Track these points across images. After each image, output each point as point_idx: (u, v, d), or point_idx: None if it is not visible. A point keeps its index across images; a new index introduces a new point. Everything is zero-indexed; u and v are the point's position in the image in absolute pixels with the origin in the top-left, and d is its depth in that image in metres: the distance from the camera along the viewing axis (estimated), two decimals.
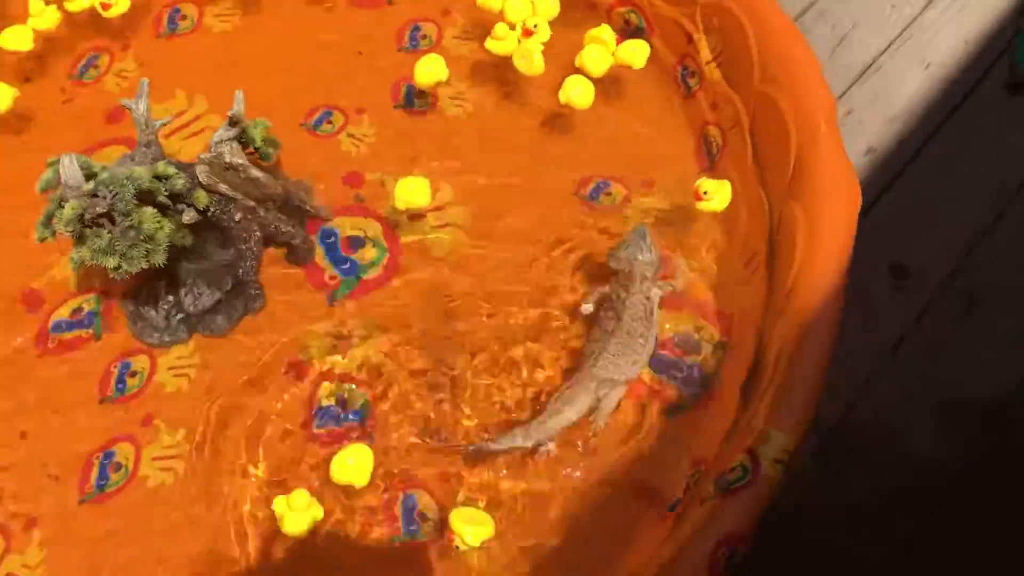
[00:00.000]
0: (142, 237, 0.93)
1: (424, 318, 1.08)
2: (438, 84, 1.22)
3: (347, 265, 1.12)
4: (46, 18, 1.28)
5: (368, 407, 1.02)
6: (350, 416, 1.02)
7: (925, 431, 1.07)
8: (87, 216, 0.92)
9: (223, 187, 1.04)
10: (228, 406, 1.02)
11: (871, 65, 1.34)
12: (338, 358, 1.05)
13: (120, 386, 1.04)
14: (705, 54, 1.16)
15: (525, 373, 1.04)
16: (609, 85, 1.22)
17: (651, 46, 1.22)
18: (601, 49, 1.18)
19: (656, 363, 1.03)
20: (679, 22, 1.19)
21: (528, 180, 1.17)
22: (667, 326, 1.05)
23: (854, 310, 1.12)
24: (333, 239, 1.14)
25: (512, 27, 1.22)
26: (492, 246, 1.12)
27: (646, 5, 1.23)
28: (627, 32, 1.26)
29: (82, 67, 1.30)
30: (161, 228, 0.95)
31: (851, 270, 1.01)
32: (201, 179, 1.02)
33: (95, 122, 1.23)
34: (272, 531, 0.94)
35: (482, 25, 1.28)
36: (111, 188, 0.92)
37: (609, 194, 1.15)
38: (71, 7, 1.30)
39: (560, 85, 1.17)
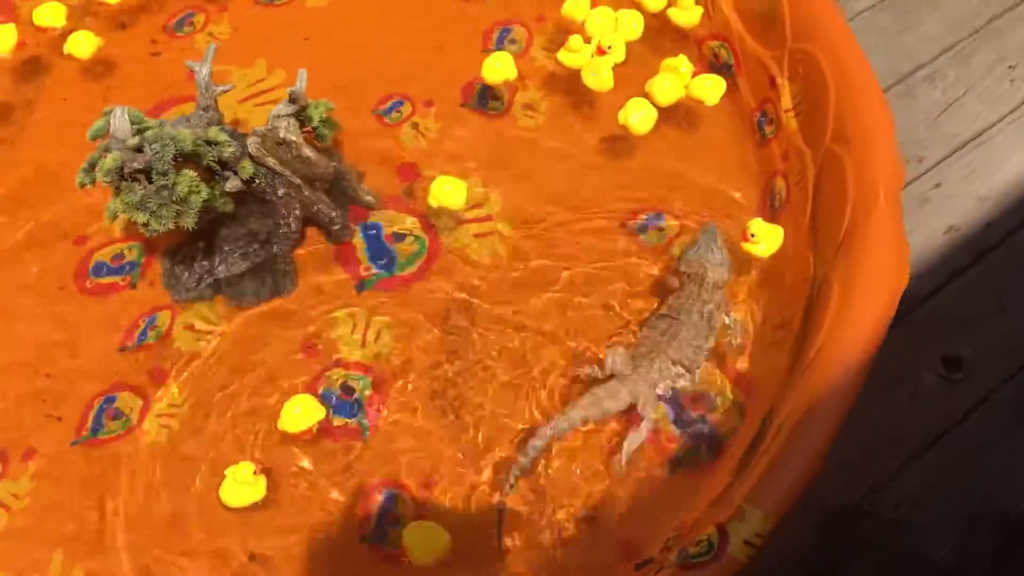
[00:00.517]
0: (174, 198, 0.95)
1: (447, 324, 1.06)
2: (506, 82, 1.21)
3: (384, 260, 1.11)
4: None
5: (370, 400, 1.01)
6: (350, 405, 1.01)
7: (948, 536, 1.00)
8: (126, 169, 0.94)
9: (271, 161, 1.04)
10: (236, 377, 1.03)
11: (975, 138, 1.25)
12: (355, 347, 1.05)
13: (141, 337, 1.06)
14: (786, 101, 1.11)
15: (535, 399, 1.01)
16: (682, 117, 1.18)
17: (736, 86, 1.18)
18: (673, 78, 1.15)
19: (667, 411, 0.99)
20: (766, 64, 1.14)
21: (579, 201, 1.14)
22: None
23: (898, 395, 1.06)
24: (375, 231, 1.14)
25: (587, 41, 1.20)
26: (529, 264, 1.10)
27: (736, 40, 1.18)
28: (715, 67, 1.21)
29: (178, 21, 1.33)
30: (197, 192, 0.97)
31: (901, 354, 0.97)
32: (251, 150, 1.03)
33: (176, 78, 1.25)
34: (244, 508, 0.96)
35: (570, 34, 1.24)
36: (154, 146, 0.94)
37: (660, 228, 1.11)
38: None
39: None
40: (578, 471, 0.97)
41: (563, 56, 1.21)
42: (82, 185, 0.96)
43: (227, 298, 1.09)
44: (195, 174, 0.97)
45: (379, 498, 0.95)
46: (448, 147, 1.20)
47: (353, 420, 1.00)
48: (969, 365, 1.07)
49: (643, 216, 1.12)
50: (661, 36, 1.24)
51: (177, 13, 1.34)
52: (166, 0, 1.35)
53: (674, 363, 0.98)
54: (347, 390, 1.03)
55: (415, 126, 1.22)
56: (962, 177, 1.21)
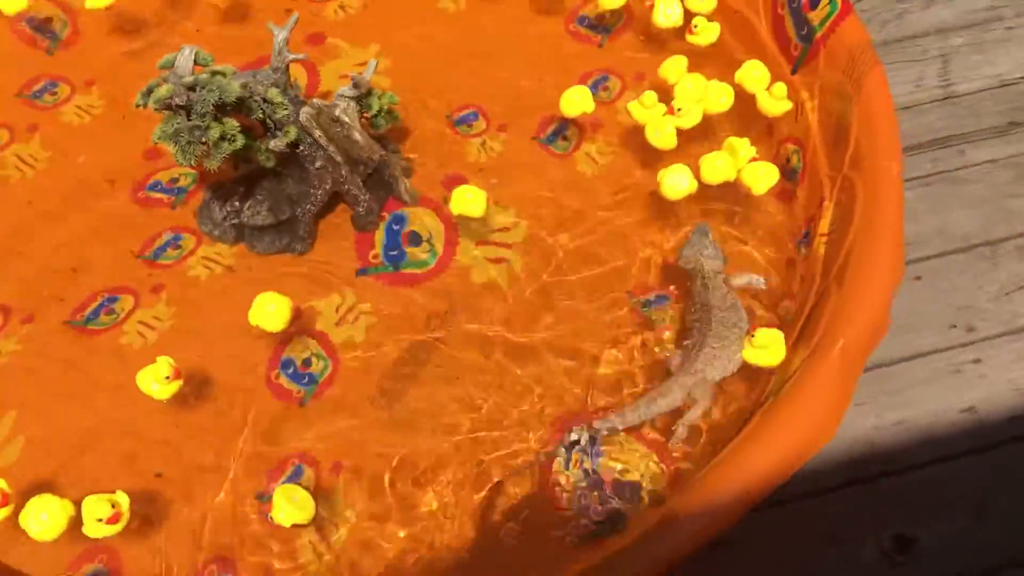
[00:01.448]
0: (204, 140, 1.03)
1: (423, 330, 1.09)
2: (583, 116, 1.23)
3: (395, 252, 1.16)
4: None
5: (324, 384, 1.05)
6: (303, 377, 1.07)
7: None
8: (173, 102, 1.03)
9: (318, 133, 1.11)
10: (221, 315, 1.10)
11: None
12: (331, 324, 1.10)
13: (159, 251, 1.16)
14: (824, 225, 1.06)
15: (475, 417, 1.03)
16: (734, 199, 1.17)
17: (795, 196, 1.15)
18: (726, 158, 1.14)
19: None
20: (822, 182, 1.10)
21: (600, 262, 1.13)
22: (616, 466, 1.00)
23: (830, 554, 1.00)
24: (399, 227, 1.18)
25: (661, 99, 1.21)
26: (525, 301, 1.11)
27: (810, 150, 1.14)
28: (785, 170, 1.17)
29: None
30: (231, 141, 1.04)
31: (856, 514, 0.99)
32: (301, 119, 1.10)
33: (297, 41, 1.33)
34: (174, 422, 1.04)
35: (663, 92, 1.24)
36: (202, 90, 1.03)
37: (664, 310, 1.09)
38: None
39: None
40: None
41: (633, 108, 1.21)
42: (137, 106, 1.05)
43: (245, 242, 1.17)
44: (236, 124, 1.05)
45: (289, 469, 1.00)
46: (502, 171, 1.22)
47: (298, 388, 1.06)
48: (919, 552, 0.99)
49: (652, 295, 1.11)
50: (748, 118, 1.22)
51: None
52: None
53: (716, 348, 1.02)
54: (306, 364, 1.08)
55: (482, 143, 1.25)
56: (1006, 362, 1.12)
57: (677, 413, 1.01)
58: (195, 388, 1.06)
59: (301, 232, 1.16)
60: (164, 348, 1.07)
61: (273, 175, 1.16)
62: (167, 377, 1.02)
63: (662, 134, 1.18)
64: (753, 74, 1.22)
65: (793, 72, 1.20)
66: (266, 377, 1.06)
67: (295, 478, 0.99)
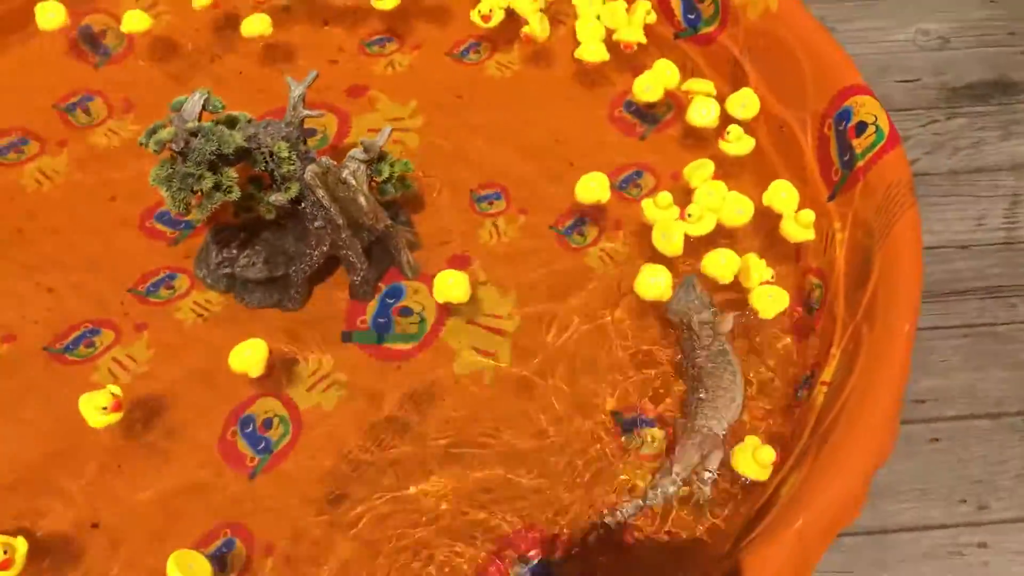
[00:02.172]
0: (195, 188, 1.01)
1: (395, 412, 1.05)
2: (598, 203, 1.18)
3: (383, 320, 1.12)
4: None
5: (281, 452, 1.02)
6: (260, 441, 1.03)
7: None
8: (171, 146, 1.01)
9: (321, 192, 1.08)
10: (196, 363, 1.08)
11: None
12: (302, 387, 1.07)
13: (152, 288, 1.14)
14: (827, 374, 0.98)
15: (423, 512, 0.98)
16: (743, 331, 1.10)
17: (811, 332, 1.07)
18: (730, 258, 1.10)
19: None
20: (836, 325, 1.02)
21: (591, 364, 1.08)
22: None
23: None
24: (393, 300, 1.14)
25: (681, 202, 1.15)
26: (505, 404, 1.06)
27: (832, 288, 1.06)
28: (806, 303, 1.10)
29: (374, 41, 1.41)
30: (227, 192, 1.02)
31: None
32: (306, 176, 1.07)
33: (339, 90, 1.34)
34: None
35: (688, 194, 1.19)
36: (200, 137, 1.01)
37: (641, 436, 1.03)
38: None
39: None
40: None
41: (646, 206, 1.16)
42: (140, 144, 1.05)
43: (235, 295, 1.15)
44: (234, 176, 1.03)
45: (218, 541, 0.96)
46: (511, 257, 1.18)
47: (253, 454, 1.02)
48: None
49: (633, 414, 1.05)
50: (770, 238, 1.16)
51: (377, 33, 1.42)
52: (375, 17, 1.43)
53: (711, 400, 1.02)
54: (267, 425, 1.05)
55: (495, 225, 1.21)
56: (1014, 552, 1.01)
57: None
58: (150, 434, 1.03)
59: (293, 291, 1.13)
60: (130, 388, 1.06)
61: (276, 228, 1.14)
62: (104, 408, 0.99)
63: (668, 238, 1.13)
64: (780, 195, 1.15)
65: (830, 199, 1.12)
66: (220, 435, 1.03)
67: (226, 548, 0.96)
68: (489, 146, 1.29)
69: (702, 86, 1.28)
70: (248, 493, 1.00)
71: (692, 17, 1.32)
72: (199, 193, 1.02)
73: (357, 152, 1.11)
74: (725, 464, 0.99)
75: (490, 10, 1.34)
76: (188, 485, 1.00)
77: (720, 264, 1.11)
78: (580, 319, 1.12)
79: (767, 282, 1.09)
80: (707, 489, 0.99)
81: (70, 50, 1.39)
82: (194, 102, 1.04)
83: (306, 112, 1.10)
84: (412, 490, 1.00)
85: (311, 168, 1.08)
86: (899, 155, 1.04)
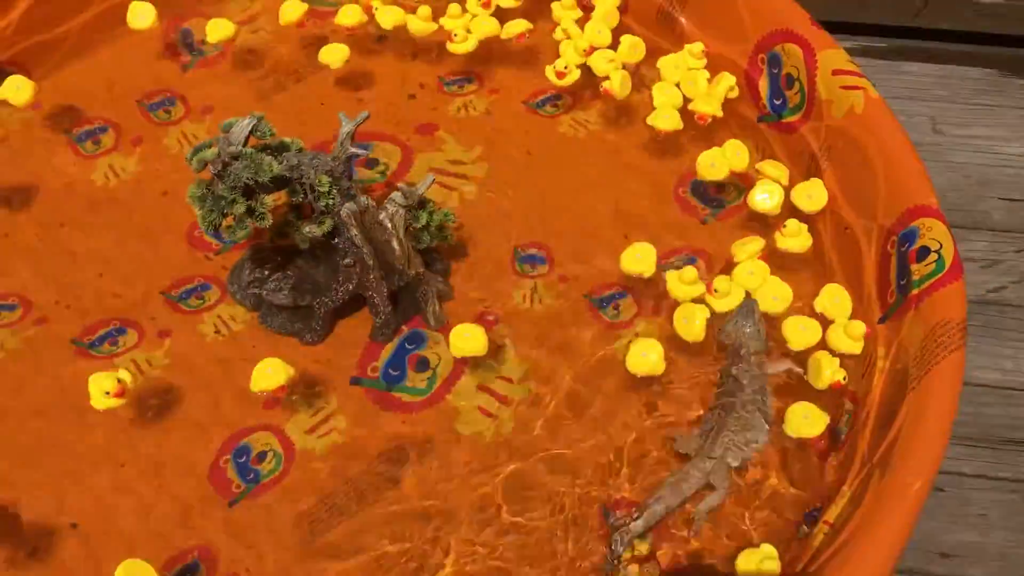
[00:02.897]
0: (225, 212, 1.02)
1: (384, 464, 1.03)
2: (641, 275, 1.15)
3: (396, 372, 1.11)
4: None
5: (265, 486, 1.02)
6: (249, 473, 1.03)
7: None
8: (209, 167, 1.03)
9: (354, 231, 1.07)
10: (206, 380, 1.09)
11: None
12: (300, 429, 1.06)
13: (184, 295, 1.16)
14: (832, 512, 0.91)
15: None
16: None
17: (828, 461, 1.00)
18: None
19: None
20: (855, 461, 0.94)
21: (589, 455, 1.04)
22: None
23: None
24: (412, 347, 1.13)
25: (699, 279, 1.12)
26: (501, 469, 1.03)
27: (861, 417, 0.99)
28: (833, 433, 1.02)
29: (454, 80, 1.40)
30: (259, 219, 1.02)
31: None
32: (342, 213, 1.07)
33: (410, 125, 1.34)
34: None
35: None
36: (240, 163, 1.02)
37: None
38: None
39: None
40: None
41: (670, 279, 1.12)
42: (187, 160, 1.06)
43: (260, 316, 1.15)
44: (268, 204, 1.04)
45: (186, 562, 0.97)
46: (540, 324, 1.14)
47: (240, 482, 1.02)
48: None
49: (623, 511, 1.00)
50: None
51: (459, 74, 1.41)
52: (459, 61, 1.42)
53: (735, 433, 1.01)
54: (261, 458, 1.05)
55: (534, 288, 1.18)
56: None
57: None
58: (146, 442, 1.05)
59: (315, 324, 1.13)
60: (139, 392, 1.08)
61: (311, 257, 1.14)
62: (107, 392, 1.02)
63: (690, 323, 1.08)
64: (834, 300, 1.09)
65: (881, 320, 1.05)
66: (215, 459, 1.04)
67: (189, 573, 0.96)
68: (545, 206, 1.26)
69: (774, 170, 1.22)
70: (224, 520, 0.99)
71: (778, 103, 1.26)
72: (230, 216, 1.03)
73: (397, 196, 1.10)
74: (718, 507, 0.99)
75: (566, 67, 1.31)
76: (171, 499, 1.01)
77: (799, 330, 1.07)
78: (589, 404, 1.08)
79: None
80: (702, 518, 0.98)
81: (164, 50, 1.43)
82: (242, 126, 1.04)
83: (353, 150, 1.10)
84: (387, 547, 0.98)
85: (348, 206, 1.07)
86: (956, 291, 0.96)
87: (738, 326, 1.08)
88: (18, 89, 1.26)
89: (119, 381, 1.03)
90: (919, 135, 1.56)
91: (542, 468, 1.03)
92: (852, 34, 1.80)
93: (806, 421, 1.02)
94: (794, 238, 1.14)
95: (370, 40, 1.44)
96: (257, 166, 1.02)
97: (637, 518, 0.97)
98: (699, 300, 1.12)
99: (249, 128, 1.05)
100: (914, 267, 1.01)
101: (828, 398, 1.05)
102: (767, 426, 1.03)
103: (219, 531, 0.99)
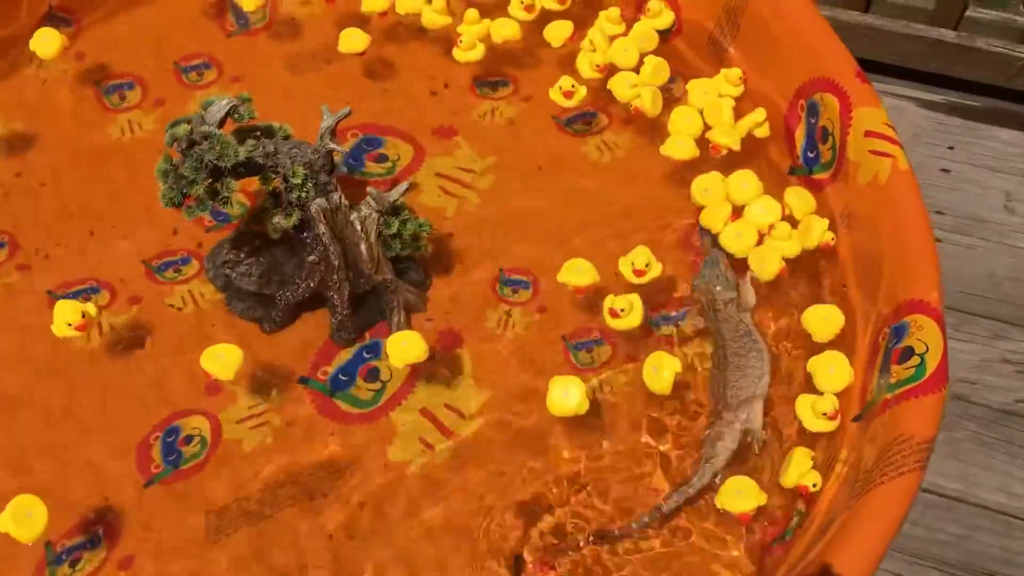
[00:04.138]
0: (185, 192, 1.00)
1: (310, 467, 1.01)
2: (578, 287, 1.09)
3: (345, 378, 1.07)
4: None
5: (185, 470, 1.00)
6: (173, 454, 1.02)
7: None
8: (176, 144, 1.01)
9: (322, 228, 1.04)
10: (160, 352, 1.09)
11: None
12: (234, 417, 1.04)
13: (164, 267, 1.16)
14: None
15: None
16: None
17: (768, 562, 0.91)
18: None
19: None
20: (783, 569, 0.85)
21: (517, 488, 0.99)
22: None
23: None
24: (369, 356, 1.09)
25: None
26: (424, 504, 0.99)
27: (805, 523, 0.89)
28: (780, 533, 0.93)
29: (488, 82, 1.34)
30: (222, 202, 1.01)
31: None
32: (311, 208, 1.04)
33: (427, 125, 1.29)
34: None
35: None
36: (207, 144, 1.00)
37: None
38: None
39: None
40: None
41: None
42: (166, 131, 1.05)
43: (226, 297, 1.14)
44: (234, 188, 1.01)
45: (79, 537, 0.96)
46: (505, 355, 1.09)
47: (160, 462, 1.01)
48: None
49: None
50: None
51: (494, 75, 1.35)
52: (501, 56, 1.36)
53: (737, 381, 1.02)
54: (187, 440, 1.03)
55: (508, 314, 1.12)
56: None
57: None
58: (87, 401, 1.05)
59: (275, 314, 1.11)
60: (95, 353, 1.09)
61: (288, 248, 1.11)
62: (69, 323, 1.03)
63: (659, 373, 1.01)
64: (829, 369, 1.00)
65: (855, 419, 0.94)
66: (146, 434, 1.03)
67: (92, 544, 0.96)
68: (543, 230, 1.19)
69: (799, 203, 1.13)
70: (136, 498, 0.99)
71: (811, 156, 1.15)
72: (190, 196, 1.02)
73: (372, 200, 1.06)
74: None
75: (572, 86, 1.24)
76: (92, 467, 1.01)
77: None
78: (540, 438, 1.02)
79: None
80: (761, 437, 0.99)
81: (214, 14, 1.43)
82: (220, 107, 1.02)
83: (332, 146, 1.06)
84: (285, 563, 0.95)
85: (319, 202, 1.04)
86: (930, 405, 0.85)
87: (706, 278, 1.11)
88: (46, 42, 1.28)
89: (83, 315, 1.04)
90: (988, 210, 1.42)
91: (460, 514, 0.98)
92: (947, 87, 1.64)
93: (738, 496, 0.94)
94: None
95: (411, 30, 1.40)
96: (222, 149, 0.99)
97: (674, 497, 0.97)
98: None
99: (226, 109, 1.02)
100: (894, 368, 0.90)
101: (789, 497, 0.96)
102: (765, 355, 1.04)
103: (129, 509, 0.98)
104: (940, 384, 0.86)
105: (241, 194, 1.20)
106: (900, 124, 1.57)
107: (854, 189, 1.07)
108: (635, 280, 1.09)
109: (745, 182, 1.15)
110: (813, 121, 1.14)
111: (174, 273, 1.16)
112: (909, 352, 0.89)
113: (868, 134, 1.05)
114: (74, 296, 1.12)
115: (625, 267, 1.10)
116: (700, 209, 1.17)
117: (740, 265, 1.13)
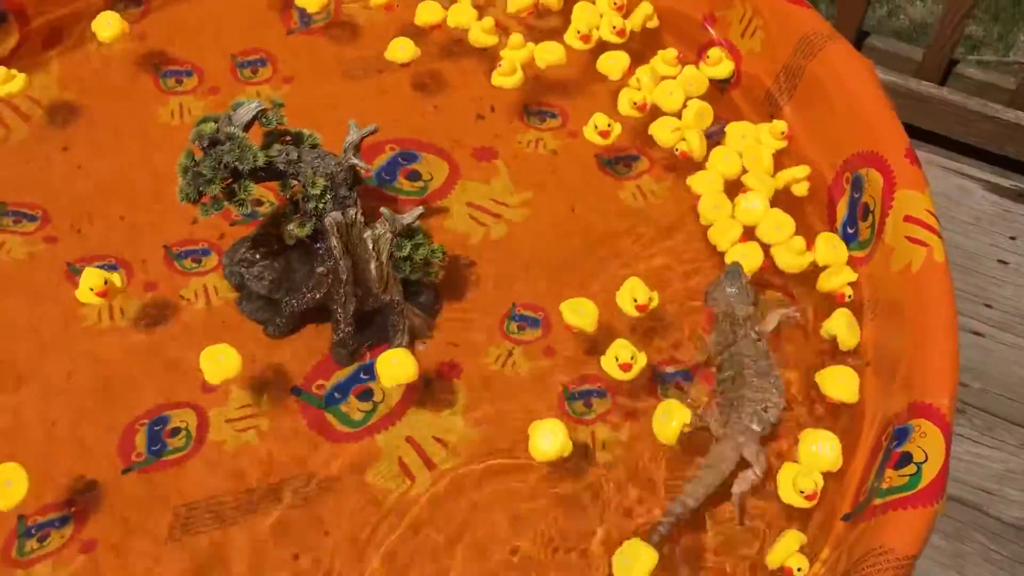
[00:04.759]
0: (200, 190, 1.00)
1: (284, 479, 1.00)
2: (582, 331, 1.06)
3: (339, 395, 1.06)
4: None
5: (167, 462, 1.00)
6: (157, 444, 1.02)
7: None
8: (199, 142, 1.01)
9: (333, 242, 1.03)
10: (165, 344, 1.09)
11: None
12: (223, 418, 1.04)
13: (183, 255, 1.17)
14: None
15: None
16: None
17: None
18: None
19: None
20: None
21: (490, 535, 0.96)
22: None
23: None
24: (368, 377, 1.07)
25: None
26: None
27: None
28: None
29: (540, 110, 1.32)
30: (239, 204, 1.01)
31: None
32: (325, 220, 1.03)
33: (469, 147, 1.28)
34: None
35: None
36: (228, 146, 1.00)
37: None
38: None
39: None
40: None
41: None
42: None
43: (238, 296, 1.14)
44: (251, 191, 1.02)
45: (52, 513, 0.97)
46: (500, 391, 1.06)
47: (143, 450, 1.01)
48: None
49: None
50: None
51: (547, 104, 1.33)
52: (550, 88, 1.34)
53: (756, 401, 1.00)
54: (174, 433, 1.03)
55: (510, 352, 1.10)
56: None
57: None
58: (88, 381, 1.06)
59: (279, 320, 1.11)
60: (101, 334, 1.10)
61: (304, 255, 1.11)
62: (91, 288, 1.06)
63: (667, 422, 0.99)
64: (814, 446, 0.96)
65: (845, 518, 0.89)
66: (133, 419, 1.03)
67: (60, 523, 0.96)
68: (564, 271, 1.16)
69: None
70: (112, 484, 0.99)
71: (851, 231, 1.10)
72: (206, 195, 1.02)
73: (387, 223, 1.05)
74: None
75: (608, 125, 1.20)
76: (80, 446, 1.02)
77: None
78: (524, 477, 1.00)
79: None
80: (745, 500, 0.96)
81: (278, 10, 1.44)
82: (248, 109, 1.02)
83: (354, 160, 1.06)
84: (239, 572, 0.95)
85: (334, 215, 1.03)
86: (919, 519, 0.80)
87: (725, 291, 1.08)
88: (108, 25, 1.30)
89: (106, 282, 1.06)
90: None
91: (427, 552, 0.96)
92: (1020, 173, 1.55)
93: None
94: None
95: (465, 46, 1.38)
96: (242, 152, 1.00)
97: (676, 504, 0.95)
98: None
99: (253, 113, 1.02)
100: (889, 472, 0.85)
101: None
102: (780, 383, 1.02)
103: (104, 493, 0.99)
104: (933, 498, 0.81)
105: (271, 193, 1.21)
106: (963, 206, 1.51)
107: (885, 274, 1.02)
108: (637, 315, 1.07)
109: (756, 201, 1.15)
110: (856, 196, 1.09)
111: (193, 263, 1.16)
112: (907, 458, 0.84)
113: (908, 219, 1.00)
114: (108, 267, 1.14)
115: (626, 303, 1.07)
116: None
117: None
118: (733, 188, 1.20)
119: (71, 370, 1.07)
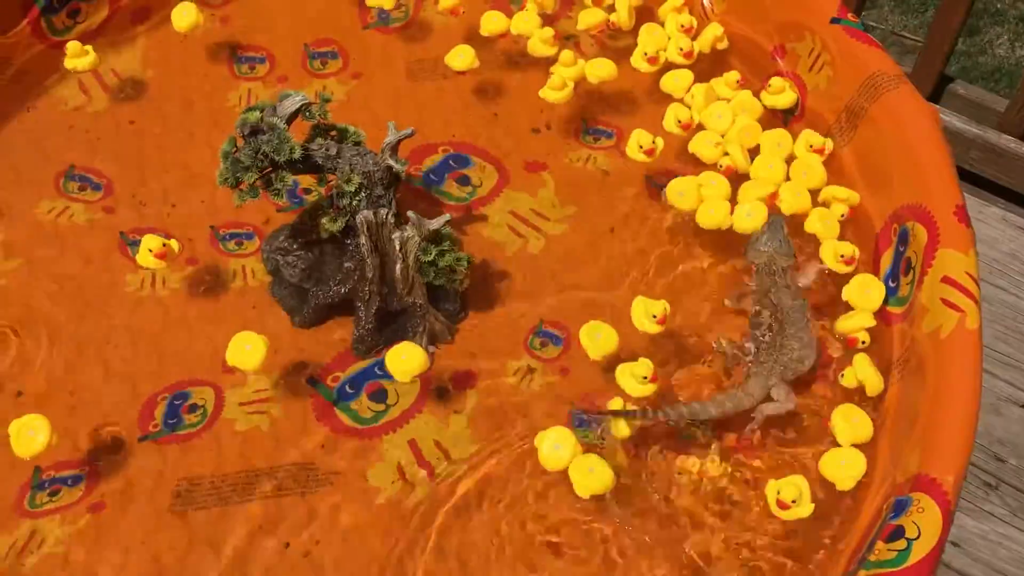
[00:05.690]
0: (238, 177, 1.03)
1: (282, 465, 1.02)
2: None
3: (352, 391, 1.08)
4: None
5: (181, 436, 1.04)
6: (175, 420, 1.05)
7: None
8: (242, 129, 1.04)
9: (362, 239, 1.05)
10: (202, 322, 1.13)
11: None
12: (236, 400, 1.07)
13: (228, 237, 1.20)
14: None
15: None
16: None
17: None
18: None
19: None
20: None
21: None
22: None
23: None
24: (382, 375, 1.08)
25: None
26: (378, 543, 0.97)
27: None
28: None
29: (596, 129, 1.31)
30: (276, 192, 1.04)
31: None
32: (357, 218, 1.05)
33: (521, 157, 1.28)
34: None
35: None
36: (269, 136, 1.02)
37: None
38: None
39: None
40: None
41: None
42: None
43: (272, 282, 1.17)
44: (289, 182, 1.04)
45: (67, 471, 1.01)
46: (511, 412, 1.06)
47: (159, 421, 1.05)
48: None
49: None
50: None
51: (601, 123, 1.32)
52: (608, 107, 1.33)
53: (791, 349, 1.02)
54: (192, 409, 1.06)
55: (531, 369, 1.09)
56: None
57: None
58: (118, 349, 1.11)
59: (306, 310, 1.13)
60: (140, 302, 1.14)
61: (338, 249, 1.13)
62: (151, 249, 1.13)
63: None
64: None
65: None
66: (156, 391, 1.07)
67: (73, 482, 1.00)
68: (595, 290, 1.15)
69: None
70: (127, 449, 1.03)
71: (892, 286, 1.05)
72: (244, 182, 1.04)
73: (415, 226, 1.06)
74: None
75: (652, 142, 1.19)
76: (103, 410, 1.06)
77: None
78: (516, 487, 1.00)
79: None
80: (761, 418, 1.00)
81: (358, 4, 1.46)
82: (293, 102, 1.05)
83: (391, 162, 1.07)
84: (231, 554, 0.97)
85: (365, 213, 1.05)
86: None
87: (768, 243, 1.10)
88: (184, 16, 1.35)
89: (164, 245, 1.13)
90: None
91: (416, 554, 0.96)
92: None
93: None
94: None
95: (529, 58, 1.38)
96: (279, 144, 1.02)
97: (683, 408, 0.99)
98: None
99: (298, 105, 1.05)
100: (879, 545, 0.81)
101: None
102: (813, 340, 1.04)
103: (119, 458, 1.03)
104: (930, 565, 0.77)
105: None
106: None
107: (915, 336, 0.97)
108: (655, 329, 1.07)
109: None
110: (902, 250, 1.04)
111: (236, 245, 1.20)
112: (899, 532, 0.80)
113: (945, 279, 0.95)
114: (139, 244, 1.18)
115: (643, 322, 1.07)
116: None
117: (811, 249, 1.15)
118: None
119: (106, 335, 1.12)
